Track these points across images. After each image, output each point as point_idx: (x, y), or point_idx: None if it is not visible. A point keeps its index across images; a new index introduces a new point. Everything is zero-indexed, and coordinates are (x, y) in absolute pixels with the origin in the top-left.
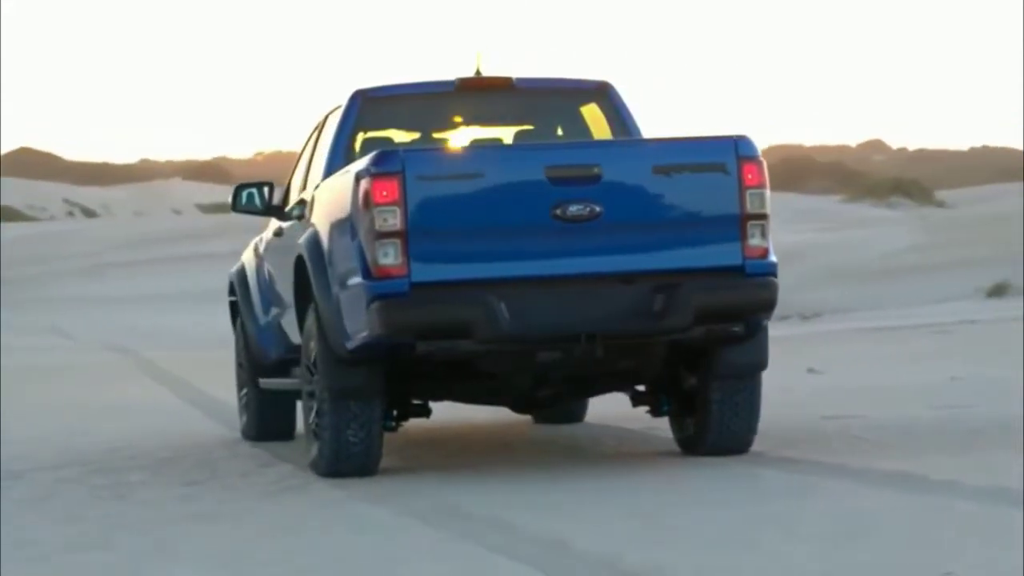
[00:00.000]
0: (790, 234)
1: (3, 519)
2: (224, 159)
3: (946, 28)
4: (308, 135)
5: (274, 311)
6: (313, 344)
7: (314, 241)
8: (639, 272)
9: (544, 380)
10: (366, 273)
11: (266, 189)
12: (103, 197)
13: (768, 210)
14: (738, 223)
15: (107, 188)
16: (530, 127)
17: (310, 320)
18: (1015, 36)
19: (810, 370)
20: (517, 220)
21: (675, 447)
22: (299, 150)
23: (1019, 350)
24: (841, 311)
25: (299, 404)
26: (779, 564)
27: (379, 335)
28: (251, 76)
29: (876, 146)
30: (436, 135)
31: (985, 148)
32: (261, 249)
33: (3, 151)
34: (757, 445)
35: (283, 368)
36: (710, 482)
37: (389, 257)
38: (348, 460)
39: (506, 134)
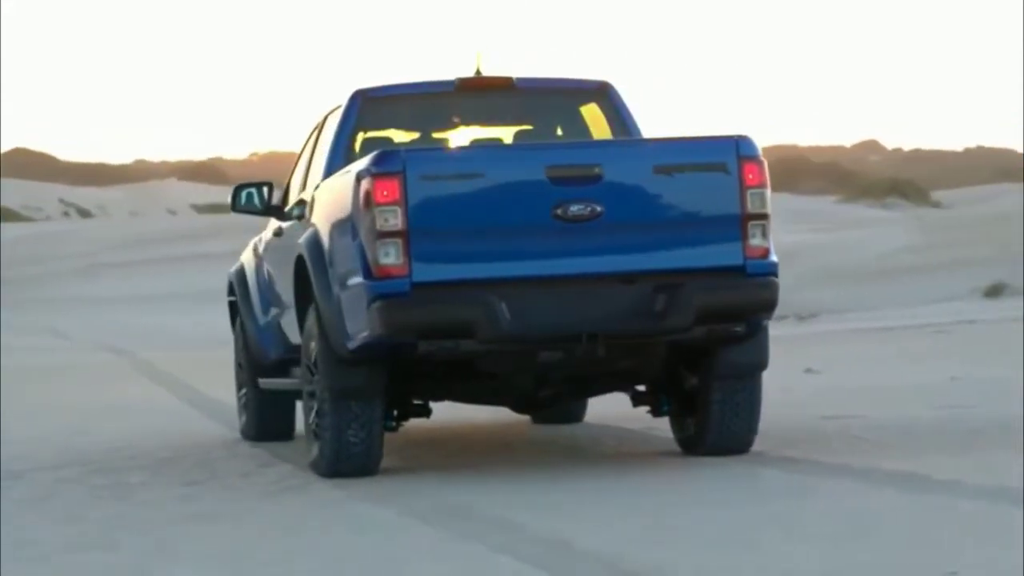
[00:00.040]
0: (786, 235)
1: (3, 519)
2: (219, 160)
3: (942, 28)
4: (308, 135)
5: (274, 311)
6: (314, 344)
7: (315, 241)
8: (640, 272)
9: (545, 380)
10: (367, 273)
11: (266, 189)
12: (99, 197)
13: (769, 210)
14: (739, 223)
15: (103, 188)
16: (530, 127)
17: (311, 320)
18: (1011, 37)
19: (808, 370)
20: (518, 220)
21: (675, 447)
22: (298, 150)
23: (1018, 350)
24: (837, 312)
25: (299, 404)
26: (780, 564)
27: (380, 335)
28: (247, 77)
29: (871, 146)
30: (436, 135)
31: (981, 148)
32: (260, 249)
33: None
34: (757, 445)
35: (283, 368)
36: (710, 482)
37: (390, 257)
38: (349, 460)
39: (506, 134)
